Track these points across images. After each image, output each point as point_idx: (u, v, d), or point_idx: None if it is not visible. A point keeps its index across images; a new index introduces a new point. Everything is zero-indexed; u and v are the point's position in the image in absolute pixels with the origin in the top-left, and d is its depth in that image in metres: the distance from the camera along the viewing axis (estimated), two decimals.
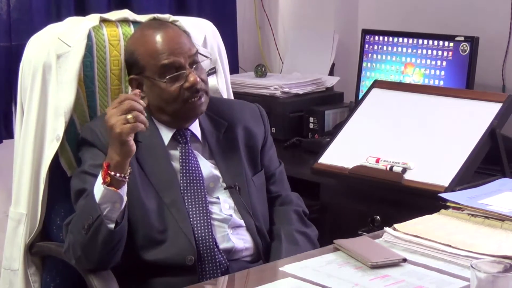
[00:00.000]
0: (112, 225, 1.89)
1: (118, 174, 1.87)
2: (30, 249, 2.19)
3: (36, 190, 2.16)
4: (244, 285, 1.82)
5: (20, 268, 2.19)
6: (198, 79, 2.04)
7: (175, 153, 2.10)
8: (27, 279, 2.20)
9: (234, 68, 3.50)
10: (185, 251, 2.00)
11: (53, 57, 2.12)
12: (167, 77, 2.02)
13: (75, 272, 2.04)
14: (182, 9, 3.38)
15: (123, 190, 1.89)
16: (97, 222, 1.87)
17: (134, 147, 1.89)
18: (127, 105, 1.86)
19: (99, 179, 1.89)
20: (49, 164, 2.12)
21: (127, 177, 1.90)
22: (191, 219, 2.04)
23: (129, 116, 1.85)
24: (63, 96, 2.12)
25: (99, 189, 1.88)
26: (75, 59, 2.13)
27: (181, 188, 2.07)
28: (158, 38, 2.04)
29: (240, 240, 2.09)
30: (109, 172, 1.87)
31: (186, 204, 2.05)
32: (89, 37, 2.17)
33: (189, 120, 2.11)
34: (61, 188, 2.15)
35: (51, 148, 2.12)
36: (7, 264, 2.24)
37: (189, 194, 2.06)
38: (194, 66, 2.06)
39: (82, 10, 3.03)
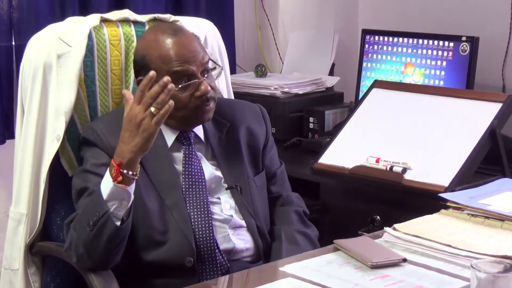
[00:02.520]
0: (118, 223, 1.89)
1: (130, 172, 1.88)
2: (30, 249, 2.19)
3: (36, 190, 2.16)
4: (244, 285, 1.82)
5: (20, 268, 2.19)
6: (209, 88, 2.04)
7: (178, 155, 2.10)
8: (27, 279, 2.20)
9: (232, 68, 3.50)
10: (185, 253, 2.00)
11: (54, 57, 2.12)
12: (179, 86, 2.01)
13: (76, 272, 2.04)
14: (180, 9, 3.37)
15: (132, 188, 1.90)
16: (103, 218, 1.87)
17: (152, 143, 1.89)
18: (149, 97, 1.85)
19: (108, 176, 1.89)
20: (49, 164, 2.12)
21: (138, 175, 1.90)
22: (192, 221, 2.04)
23: (152, 109, 1.85)
24: (63, 96, 2.12)
25: (107, 186, 1.88)
26: (75, 59, 2.13)
27: (183, 189, 2.07)
28: (173, 44, 2.03)
29: (240, 240, 2.09)
30: (121, 170, 1.87)
31: (188, 205, 2.05)
32: (89, 37, 2.17)
33: (195, 125, 2.11)
34: (62, 188, 2.15)
35: (51, 148, 2.12)
36: (7, 264, 2.24)
37: (190, 195, 2.06)
38: (206, 75, 2.05)
39: (84, 10, 3.03)
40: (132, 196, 1.90)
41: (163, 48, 2.03)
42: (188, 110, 2.04)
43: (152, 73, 1.89)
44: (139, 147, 1.87)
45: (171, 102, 1.87)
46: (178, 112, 2.03)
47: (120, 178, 1.87)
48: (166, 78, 1.87)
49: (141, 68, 2.08)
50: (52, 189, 2.17)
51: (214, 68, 2.14)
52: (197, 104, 2.04)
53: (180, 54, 2.02)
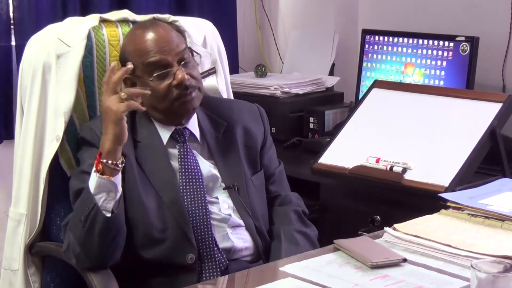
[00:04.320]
0: (108, 215, 1.89)
1: (110, 162, 1.89)
2: (30, 249, 2.19)
3: (36, 190, 2.16)
4: (244, 285, 1.82)
5: (20, 268, 2.19)
6: (186, 76, 2.03)
7: (174, 152, 2.10)
8: (27, 279, 2.20)
9: (234, 68, 3.50)
10: (185, 250, 2.00)
11: (53, 57, 2.12)
12: (154, 75, 2.03)
13: (75, 272, 2.04)
14: (182, 9, 3.38)
15: (117, 179, 1.91)
16: (93, 212, 1.88)
17: (126, 131, 1.92)
18: (113, 84, 1.91)
19: (93, 170, 1.91)
20: (49, 164, 2.12)
21: (120, 166, 1.91)
22: (191, 218, 2.04)
23: (122, 94, 1.90)
24: (63, 96, 2.12)
25: (93, 179, 1.90)
26: (75, 59, 2.13)
27: (181, 187, 2.07)
28: (146, 37, 2.05)
29: (239, 239, 2.09)
30: (101, 160, 1.89)
31: (186, 203, 2.05)
32: (89, 37, 2.18)
33: (182, 116, 2.10)
34: (61, 188, 2.15)
35: (51, 148, 2.12)
36: (7, 264, 2.24)
37: (188, 193, 2.07)
38: (182, 63, 2.06)
39: (84, 10, 3.04)
40: (120, 188, 1.91)
41: (138, 41, 2.06)
42: (169, 100, 2.04)
43: (129, 65, 1.99)
44: (112, 133, 1.90)
45: (147, 91, 1.97)
46: (160, 104, 2.04)
47: (100, 167, 1.89)
48: (113, 64, 1.96)
49: (123, 64, 2.10)
50: (52, 189, 2.17)
51: (213, 71, 2.14)
52: (176, 94, 2.04)
53: (153, 45, 2.04)
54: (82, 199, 1.93)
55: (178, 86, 2.03)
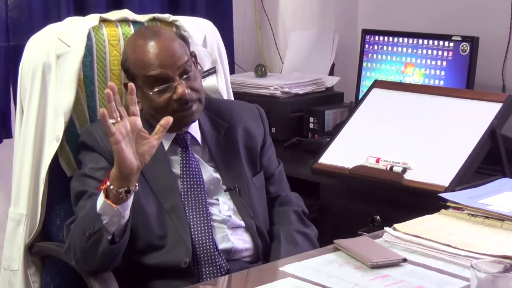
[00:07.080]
0: (110, 237, 1.86)
1: (116, 188, 1.82)
2: (30, 249, 2.19)
3: (35, 190, 2.15)
4: (244, 285, 1.81)
5: (20, 269, 2.19)
6: (187, 91, 2.02)
7: (176, 158, 2.10)
8: (27, 279, 2.19)
9: (230, 68, 3.48)
10: (181, 254, 1.99)
11: (53, 57, 2.12)
12: (155, 89, 2.02)
13: (75, 272, 2.04)
14: (178, 9, 3.36)
15: (124, 207, 1.84)
16: (98, 234, 1.85)
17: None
18: (109, 127, 1.78)
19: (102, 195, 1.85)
20: (48, 165, 2.12)
21: (129, 195, 1.84)
22: (191, 224, 2.03)
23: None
24: (62, 96, 2.12)
25: (100, 200, 1.85)
26: (74, 59, 2.13)
27: (182, 193, 2.06)
28: (148, 48, 2.02)
29: (239, 240, 2.09)
30: (108, 185, 1.82)
31: (186, 208, 2.04)
32: (88, 37, 2.17)
33: (181, 128, 2.09)
34: (61, 188, 2.15)
35: (50, 148, 2.12)
36: (6, 264, 2.24)
37: (189, 199, 2.06)
38: (185, 76, 2.04)
39: (81, 10, 3.03)
40: (126, 216, 1.86)
41: (139, 52, 2.03)
42: (168, 113, 1.99)
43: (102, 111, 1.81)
44: (117, 169, 1.82)
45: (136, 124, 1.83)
46: (159, 115, 1.99)
47: (106, 192, 1.82)
48: (110, 85, 1.81)
49: (125, 71, 2.10)
50: (52, 189, 2.16)
51: (213, 71, 2.13)
52: (176, 108, 2.02)
53: (154, 58, 2.01)
54: (90, 212, 1.87)
55: (178, 100, 2.02)
